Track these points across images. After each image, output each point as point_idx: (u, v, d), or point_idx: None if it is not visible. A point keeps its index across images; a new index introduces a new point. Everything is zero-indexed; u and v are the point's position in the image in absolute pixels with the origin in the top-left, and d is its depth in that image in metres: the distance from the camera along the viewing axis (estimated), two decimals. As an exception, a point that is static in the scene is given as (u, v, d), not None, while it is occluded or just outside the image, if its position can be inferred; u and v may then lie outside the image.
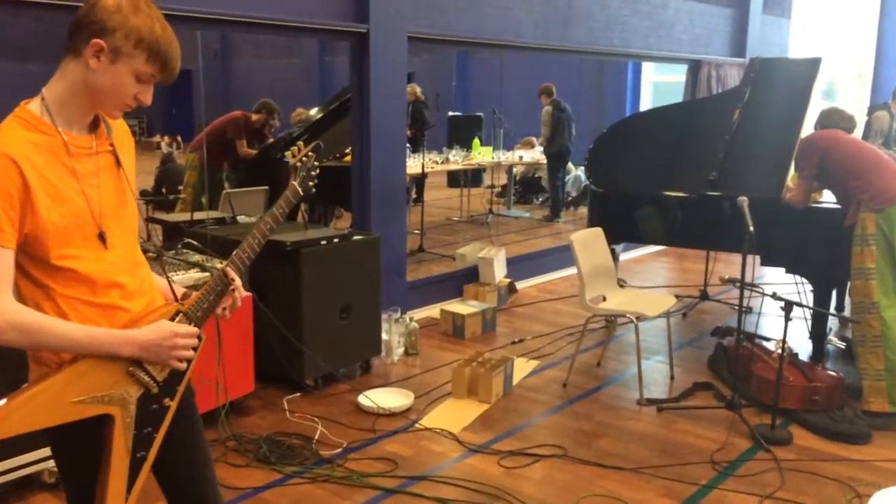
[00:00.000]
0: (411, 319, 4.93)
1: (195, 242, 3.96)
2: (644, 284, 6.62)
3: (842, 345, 4.85)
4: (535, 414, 3.97)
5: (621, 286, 6.41)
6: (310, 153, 2.02)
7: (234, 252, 1.81)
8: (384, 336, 4.66)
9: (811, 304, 4.40)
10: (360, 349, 4.46)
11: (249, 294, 3.78)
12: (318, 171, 2.03)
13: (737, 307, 5.89)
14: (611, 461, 3.43)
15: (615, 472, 3.34)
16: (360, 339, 4.41)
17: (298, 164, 2.00)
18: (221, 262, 3.27)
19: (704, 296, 5.99)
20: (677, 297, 6.14)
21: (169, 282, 1.80)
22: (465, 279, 6.00)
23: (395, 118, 5.12)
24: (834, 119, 4.21)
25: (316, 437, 3.61)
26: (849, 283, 3.93)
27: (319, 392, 4.17)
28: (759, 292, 3.81)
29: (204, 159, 7.17)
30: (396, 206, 5.25)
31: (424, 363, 4.70)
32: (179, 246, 3.99)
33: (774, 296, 3.70)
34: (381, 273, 4.51)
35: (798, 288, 5.05)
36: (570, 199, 10.66)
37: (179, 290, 1.80)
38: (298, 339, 3.99)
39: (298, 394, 4.10)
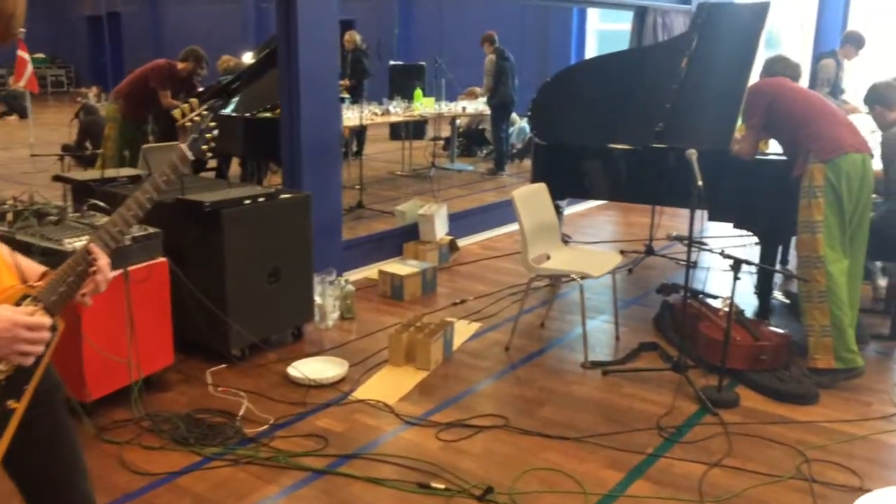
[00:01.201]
0: (346, 282, 4.67)
1: (103, 204, 3.64)
2: (589, 240, 6.47)
3: (786, 300, 4.77)
4: (476, 381, 3.78)
5: (566, 243, 6.24)
6: (204, 112, 1.72)
7: (102, 226, 1.52)
8: (317, 300, 4.40)
9: (757, 260, 4.28)
10: (291, 315, 4.19)
11: (164, 259, 3.47)
12: (214, 132, 1.74)
13: (683, 262, 5.83)
14: (554, 430, 3.27)
15: (559, 443, 3.17)
16: (290, 304, 4.14)
17: (189, 124, 1.70)
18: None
19: (650, 251, 5.86)
20: (622, 252, 6.02)
21: (14, 258, 1.49)
22: (405, 237, 5.75)
23: (326, 66, 4.78)
24: (779, 67, 4.08)
25: (241, 413, 3.35)
26: (795, 237, 3.81)
27: (247, 363, 3.90)
28: (706, 249, 3.65)
29: (124, 110, 6.71)
30: (330, 161, 4.94)
31: (361, 328, 4.46)
32: (85, 207, 3.65)
33: (723, 253, 3.55)
34: (313, 233, 4.22)
35: (744, 241, 4.95)
36: (514, 151, 10.43)
37: (37, 270, 1.50)
38: (222, 306, 3.70)
39: (224, 365, 3.83)
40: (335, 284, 4.59)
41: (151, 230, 3.42)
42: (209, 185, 4.50)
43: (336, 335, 4.36)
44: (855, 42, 6.76)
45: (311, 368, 3.75)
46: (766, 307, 4.33)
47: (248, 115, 6.91)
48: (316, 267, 4.42)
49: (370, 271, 5.37)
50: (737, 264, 3.47)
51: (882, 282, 4.92)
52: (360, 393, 3.60)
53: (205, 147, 1.73)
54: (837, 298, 3.61)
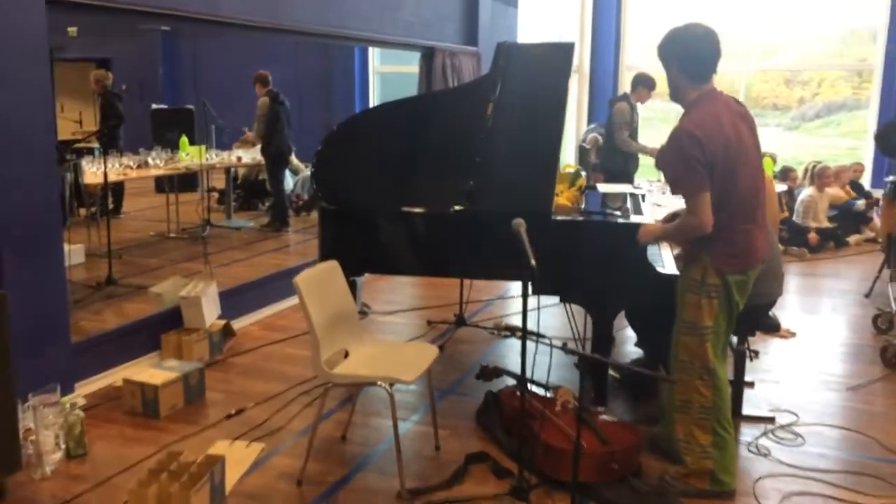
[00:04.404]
0: (73, 406, 3.43)
1: None
2: (390, 308, 5.63)
3: (616, 375, 4.20)
4: (257, 545, 2.76)
5: (364, 315, 5.38)
6: None
7: None
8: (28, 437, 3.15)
9: (591, 338, 3.67)
10: (-19, 471, 2.91)
11: None
12: None
13: (499, 333, 5.19)
14: None
15: None
16: (-21, 456, 2.87)
17: None
18: None
19: (461, 321, 5.13)
20: (430, 323, 5.28)
21: None
22: (165, 325, 4.57)
23: (35, 112, 3.57)
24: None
25: None
26: (676, 334, 3.02)
27: None
28: (546, 343, 2.93)
29: None
30: (44, 241, 3.69)
31: (96, 471, 3.25)
32: None
33: (566, 348, 2.83)
34: (14, 344, 2.99)
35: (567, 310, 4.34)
36: (300, 203, 9.43)
37: None
38: None
39: None
40: (58, 409, 3.35)
41: None
42: None
43: (58, 486, 3.13)
44: (647, 84, 6.61)
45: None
46: (602, 393, 3.71)
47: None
48: (26, 387, 3.21)
49: (117, 376, 4.14)
50: (582, 361, 2.77)
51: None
52: None
53: None
54: (723, 415, 2.98)
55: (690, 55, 2.84)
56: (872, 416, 3.84)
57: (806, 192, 7.77)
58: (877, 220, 8.02)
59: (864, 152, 10.59)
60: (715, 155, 2.74)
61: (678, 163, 2.79)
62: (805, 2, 11.10)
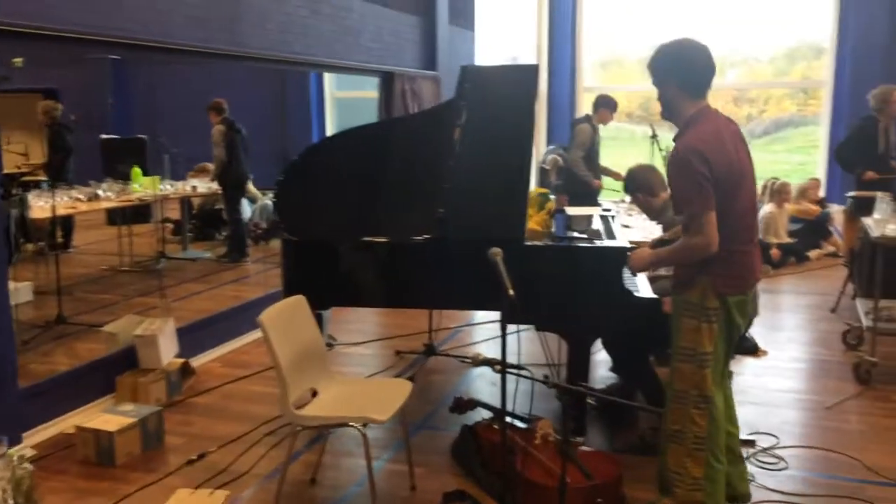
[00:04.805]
0: (21, 458, 3.19)
1: None
2: (357, 339, 5.46)
3: (593, 403, 4.10)
4: None
5: (330, 347, 5.21)
6: None
7: None
8: (-30, 500, 2.91)
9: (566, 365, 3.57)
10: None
11: None
12: None
13: (468, 360, 5.04)
14: None
15: None
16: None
17: None
18: None
19: (431, 350, 4.99)
20: (398, 353, 5.13)
21: None
22: (119, 367, 4.34)
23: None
24: None
25: None
26: (672, 361, 2.89)
27: None
28: (526, 376, 2.81)
29: None
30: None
31: (46, 529, 3.03)
32: None
33: (549, 381, 2.71)
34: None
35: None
36: (259, 232, 9.21)
37: None
38: None
39: None
40: (4, 462, 3.11)
41: None
42: None
43: (5, 549, 2.90)
44: (608, 105, 6.61)
45: None
46: (581, 423, 3.60)
47: None
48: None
49: (68, 423, 3.91)
50: (566, 396, 2.65)
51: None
52: None
53: None
54: (717, 445, 2.86)
55: (693, 69, 2.74)
56: (852, 436, 3.80)
57: (766, 209, 7.83)
58: (835, 235, 8.13)
59: (815, 167, 10.78)
60: (720, 171, 2.66)
61: (685, 181, 2.67)
62: (750, 20, 11.31)
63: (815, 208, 8.16)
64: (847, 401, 4.22)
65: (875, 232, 4.47)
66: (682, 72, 2.74)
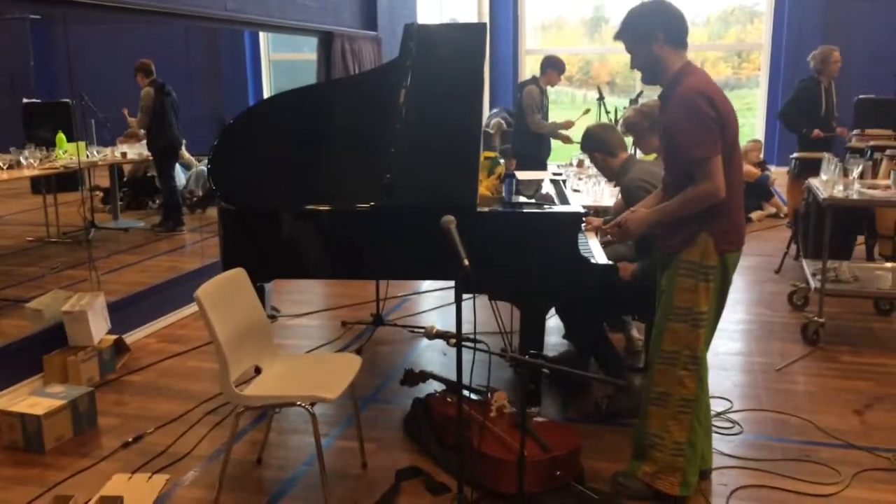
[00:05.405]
0: (-62, 451, 2.96)
1: None
2: (301, 310, 5.28)
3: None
4: None
5: (273, 318, 5.02)
6: None
7: None
8: None
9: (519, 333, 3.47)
10: None
11: None
12: None
13: (419, 331, 4.91)
14: None
15: None
16: None
17: None
18: None
19: (378, 320, 4.84)
20: (344, 324, 4.97)
21: None
22: (47, 346, 4.07)
23: None
24: None
25: None
26: (663, 321, 2.78)
27: None
28: (483, 350, 2.68)
29: None
30: None
31: (-32, 525, 2.81)
32: None
33: (506, 354, 2.60)
34: None
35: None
36: (194, 199, 8.85)
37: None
38: None
39: None
40: (-81, 455, 2.88)
41: None
42: None
43: (-79, 548, 2.67)
44: (557, 67, 6.47)
45: None
46: (536, 393, 3.52)
47: None
48: None
49: (-9, 409, 3.64)
50: (526, 368, 2.54)
51: (637, 333, 4.44)
52: None
53: None
54: (702, 409, 2.83)
55: (675, 20, 2.67)
56: (803, 397, 3.81)
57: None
58: (776, 197, 8.23)
59: (753, 129, 10.91)
60: (725, 117, 2.59)
61: (695, 123, 2.56)
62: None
63: (756, 170, 8.23)
64: (796, 362, 4.25)
65: (823, 193, 4.47)
66: (668, 24, 2.67)
